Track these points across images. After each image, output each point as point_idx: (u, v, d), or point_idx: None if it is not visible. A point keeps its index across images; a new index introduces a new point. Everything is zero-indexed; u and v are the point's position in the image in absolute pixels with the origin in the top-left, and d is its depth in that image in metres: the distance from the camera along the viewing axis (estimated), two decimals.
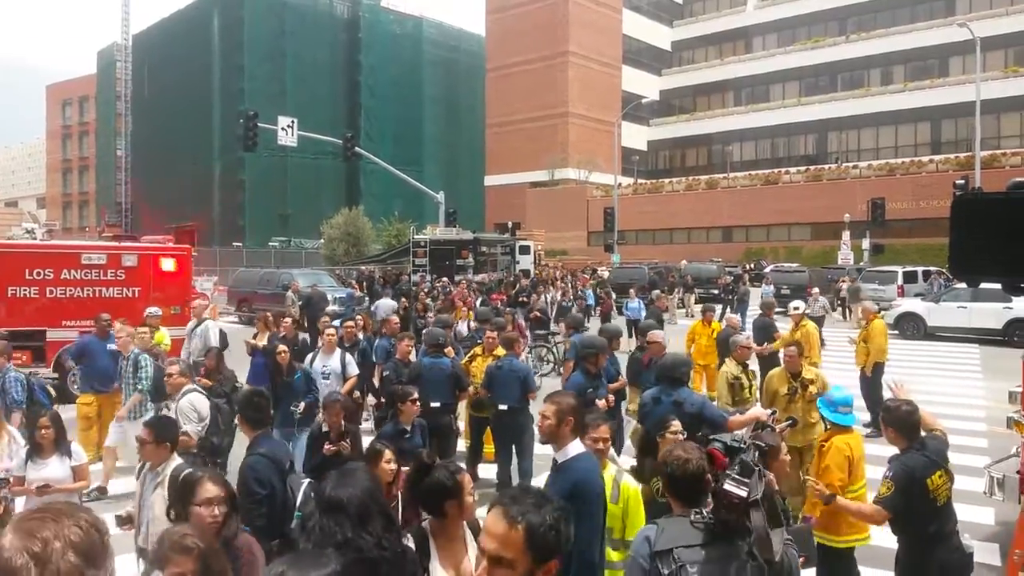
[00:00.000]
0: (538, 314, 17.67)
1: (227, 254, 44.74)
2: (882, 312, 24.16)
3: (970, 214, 3.49)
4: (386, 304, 18.49)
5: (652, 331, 8.71)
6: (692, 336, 12.88)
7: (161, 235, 20.38)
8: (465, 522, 3.25)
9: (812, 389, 7.44)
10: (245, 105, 43.82)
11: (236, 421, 5.77)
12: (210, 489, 3.25)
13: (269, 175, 55.10)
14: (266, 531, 4.20)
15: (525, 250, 37.00)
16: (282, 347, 8.26)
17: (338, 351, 8.99)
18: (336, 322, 10.43)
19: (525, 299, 20.62)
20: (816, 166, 55.20)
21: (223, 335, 11.25)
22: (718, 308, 18.51)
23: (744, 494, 2.68)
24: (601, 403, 6.94)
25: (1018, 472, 6.56)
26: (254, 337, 10.61)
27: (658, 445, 4.82)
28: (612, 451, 4.92)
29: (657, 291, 22.66)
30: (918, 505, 4.33)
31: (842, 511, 4.61)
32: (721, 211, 53.32)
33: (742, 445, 2.95)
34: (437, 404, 7.73)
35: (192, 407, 6.34)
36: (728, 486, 2.71)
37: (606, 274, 34.11)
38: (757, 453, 2.93)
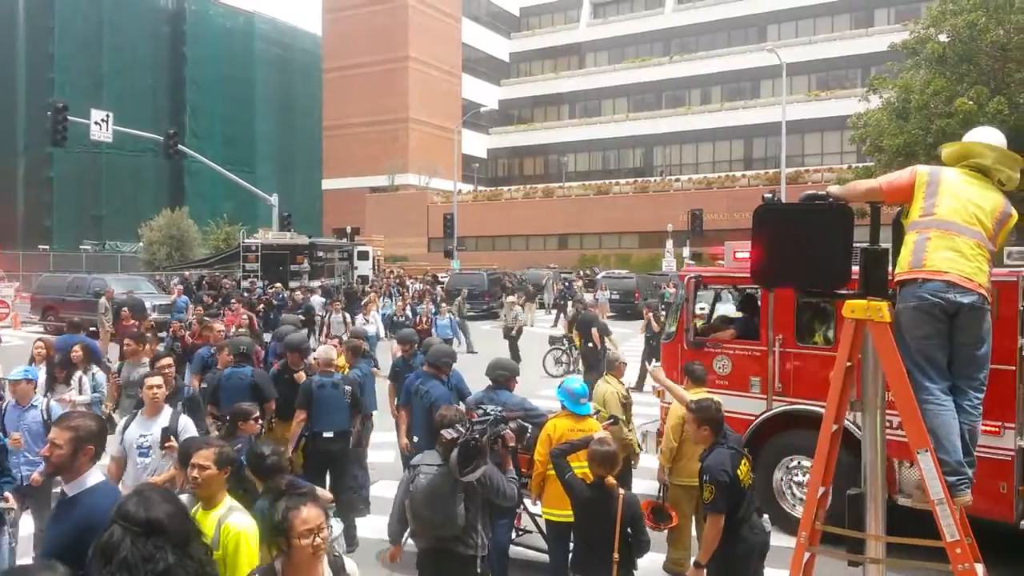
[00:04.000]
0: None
1: (32, 258, 40.96)
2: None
3: (768, 223, 3.74)
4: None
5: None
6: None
7: None
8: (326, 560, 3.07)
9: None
10: (54, 96, 40.34)
11: None
12: None
13: (81, 173, 51.01)
14: None
15: (364, 255, 36.37)
16: None
17: (168, 410, 5.84)
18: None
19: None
20: (643, 178, 58.05)
21: None
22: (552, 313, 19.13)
23: (451, 436, 4.36)
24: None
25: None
26: None
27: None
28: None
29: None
30: (731, 494, 4.66)
31: (709, 545, 4.67)
32: (557, 219, 54.85)
33: (493, 414, 4.89)
34: None
35: None
36: (443, 432, 4.41)
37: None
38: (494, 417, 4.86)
